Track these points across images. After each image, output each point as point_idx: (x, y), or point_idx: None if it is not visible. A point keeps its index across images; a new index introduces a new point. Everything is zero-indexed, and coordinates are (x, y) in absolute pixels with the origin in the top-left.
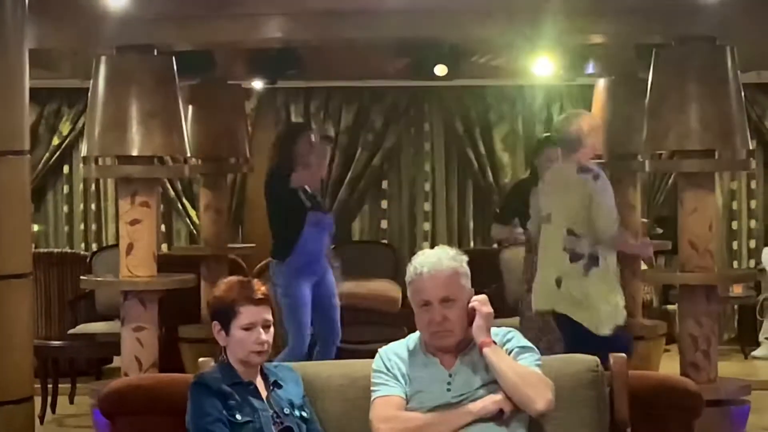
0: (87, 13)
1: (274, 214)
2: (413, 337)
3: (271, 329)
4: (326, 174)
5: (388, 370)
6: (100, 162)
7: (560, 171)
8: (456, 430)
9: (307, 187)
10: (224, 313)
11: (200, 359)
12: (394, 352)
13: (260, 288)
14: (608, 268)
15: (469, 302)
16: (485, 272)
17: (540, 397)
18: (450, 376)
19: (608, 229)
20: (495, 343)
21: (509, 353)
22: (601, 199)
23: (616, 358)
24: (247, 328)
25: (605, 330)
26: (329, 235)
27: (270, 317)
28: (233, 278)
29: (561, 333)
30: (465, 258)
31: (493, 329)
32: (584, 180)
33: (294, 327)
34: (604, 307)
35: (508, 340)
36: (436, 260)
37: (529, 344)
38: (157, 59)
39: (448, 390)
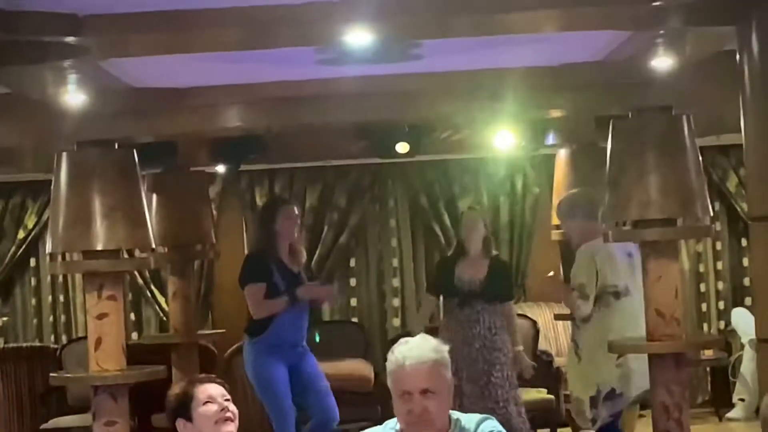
0: (45, 111)
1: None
2: (391, 423)
3: (232, 403)
4: (297, 237)
5: None
6: (66, 257)
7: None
8: None
9: (292, 267)
10: (182, 405)
11: None
12: None
13: (209, 375)
14: None
15: (449, 392)
16: None
17: None
18: None
19: None
20: None
21: None
22: None
23: None
24: (208, 402)
25: None
26: (307, 316)
27: (227, 393)
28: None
29: None
30: (446, 348)
31: (469, 415)
32: None
33: (270, 406)
34: None
35: (481, 422)
36: (418, 352)
37: (501, 429)
38: (118, 153)
39: None
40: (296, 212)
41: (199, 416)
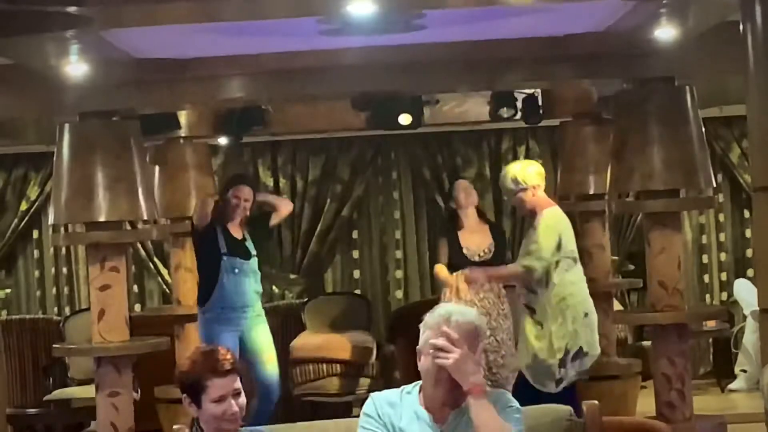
0: (48, 82)
1: (197, 259)
2: (408, 388)
3: (242, 396)
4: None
5: (379, 417)
6: (69, 229)
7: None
8: None
9: (236, 234)
10: (193, 388)
11: (174, 427)
12: (387, 401)
13: (225, 357)
14: None
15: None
16: None
17: None
18: None
19: None
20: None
21: None
22: None
23: (589, 405)
24: (218, 401)
25: None
26: (256, 281)
27: (239, 385)
28: (198, 350)
29: None
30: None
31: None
32: None
33: None
34: None
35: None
36: (465, 312)
37: (515, 405)
38: (120, 124)
39: None
40: (245, 192)
41: (205, 410)
